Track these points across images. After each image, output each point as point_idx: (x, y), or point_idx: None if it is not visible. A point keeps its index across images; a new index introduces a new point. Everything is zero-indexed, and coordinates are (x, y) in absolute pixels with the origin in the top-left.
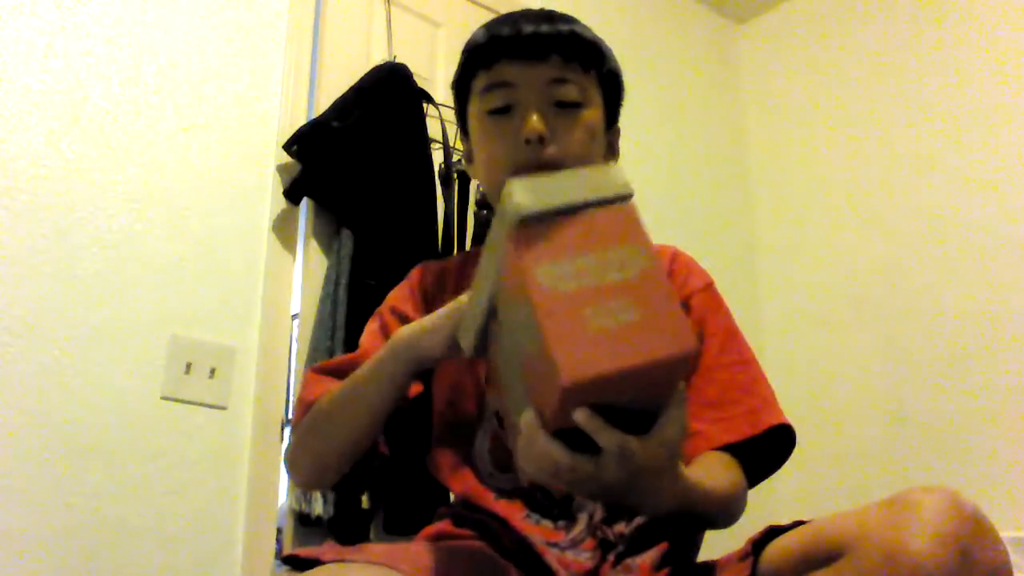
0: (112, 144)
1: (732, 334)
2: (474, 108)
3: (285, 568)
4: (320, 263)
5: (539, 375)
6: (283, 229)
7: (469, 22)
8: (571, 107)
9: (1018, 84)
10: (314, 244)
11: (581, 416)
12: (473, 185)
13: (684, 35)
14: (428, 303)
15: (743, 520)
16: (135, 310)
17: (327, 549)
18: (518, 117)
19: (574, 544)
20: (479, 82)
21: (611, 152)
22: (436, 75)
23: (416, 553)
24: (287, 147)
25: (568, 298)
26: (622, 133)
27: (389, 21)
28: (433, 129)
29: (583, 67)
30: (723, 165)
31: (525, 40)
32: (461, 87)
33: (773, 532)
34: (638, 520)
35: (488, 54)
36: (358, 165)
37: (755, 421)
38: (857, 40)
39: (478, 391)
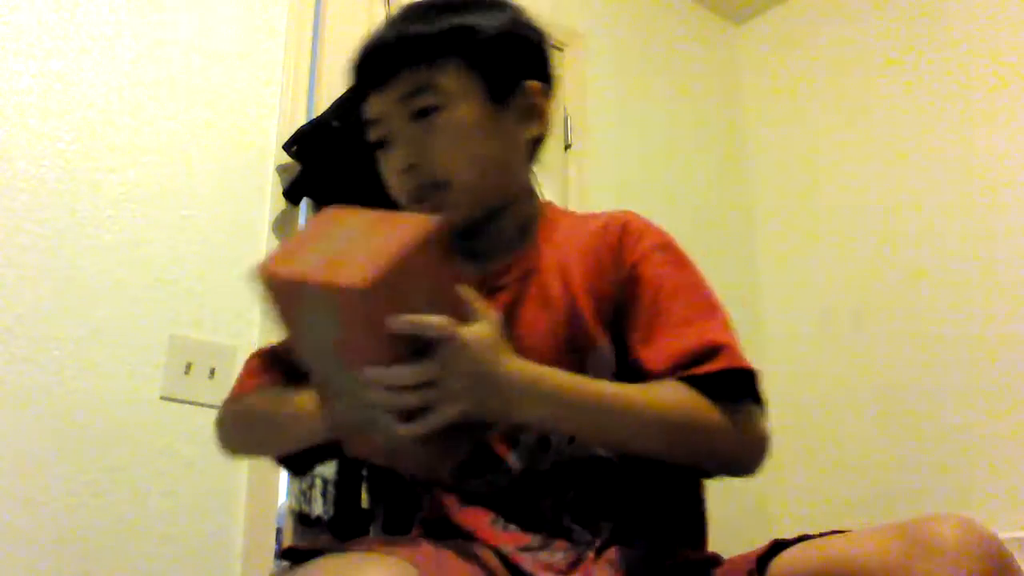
0: (112, 144)
1: (692, 287)
2: None
3: (284, 563)
4: None
5: (345, 331)
6: (283, 229)
7: None
8: (430, 113)
9: (1020, 83)
10: None
11: (398, 322)
12: None
13: (683, 35)
14: None
15: (743, 523)
16: (135, 310)
17: (327, 542)
18: (390, 149)
19: (546, 545)
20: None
21: (530, 115)
22: None
23: (416, 543)
24: (287, 147)
25: (313, 257)
26: (622, 134)
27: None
28: None
29: (430, 63)
30: (722, 165)
31: (365, 70)
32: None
33: (778, 546)
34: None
35: (356, 87)
36: (358, 165)
37: (699, 339)
38: (856, 40)
39: None
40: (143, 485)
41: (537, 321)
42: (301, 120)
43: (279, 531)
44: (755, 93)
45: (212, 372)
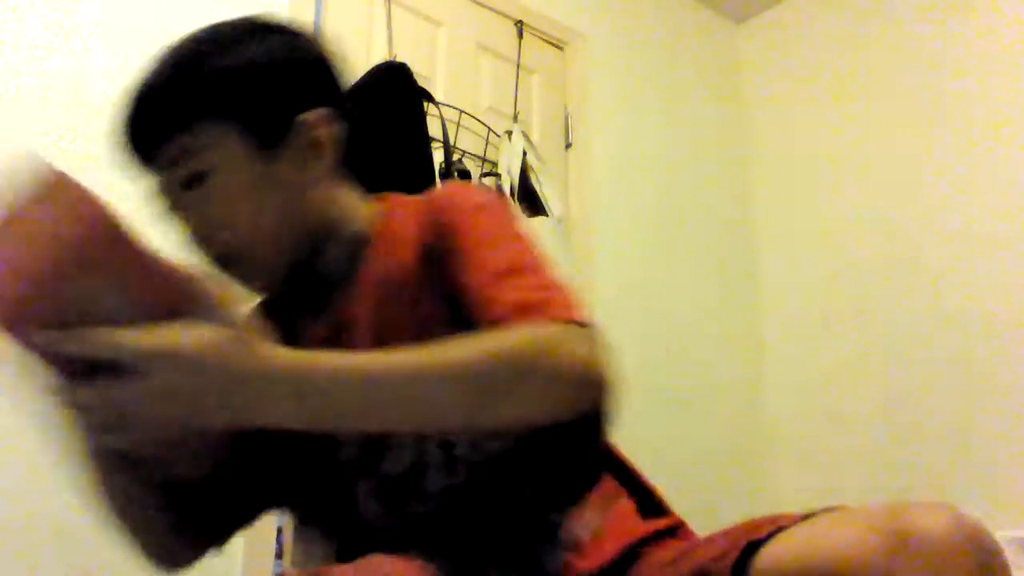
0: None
1: (503, 240)
2: None
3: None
4: None
5: None
6: None
7: (470, 21)
8: (196, 182)
9: (1021, 82)
10: None
11: (44, 337)
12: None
13: (684, 34)
14: None
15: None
16: None
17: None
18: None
19: None
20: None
21: (312, 150)
22: (437, 74)
23: (378, 569)
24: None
25: None
26: (623, 134)
27: (389, 20)
28: (434, 128)
29: (182, 128)
30: (723, 164)
31: (129, 143)
32: None
33: (752, 546)
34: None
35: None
36: (358, 164)
37: (517, 294)
38: (857, 39)
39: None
40: None
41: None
42: None
43: (279, 531)
44: (755, 92)
45: None
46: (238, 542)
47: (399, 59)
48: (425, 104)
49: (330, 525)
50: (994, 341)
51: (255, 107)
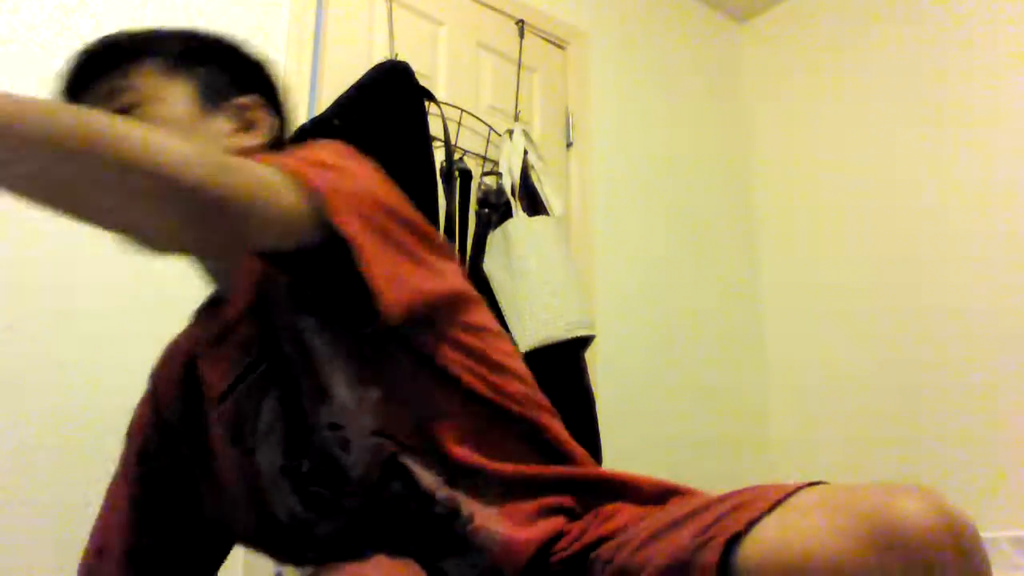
0: None
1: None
2: None
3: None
4: None
5: None
6: None
7: (471, 20)
8: (130, 111)
9: (1022, 80)
10: None
11: None
12: (474, 183)
13: (686, 33)
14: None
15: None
16: (136, 309)
17: None
18: None
19: None
20: None
21: (247, 127)
22: (438, 73)
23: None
24: None
25: None
26: (623, 134)
27: (391, 19)
28: (435, 127)
29: (124, 67)
30: (725, 164)
31: (72, 75)
32: None
33: (731, 542)
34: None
35: (68, 98)
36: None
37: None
38: (858, 39)
39: (239, 464)
40: None
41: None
42: (302, 119)
43: None
44: (757, 91)
45: None
46: None
47: (400, 58)
48: (426, 103)
49: (272, 548)
50: (994, 341)
51: (204, 70)
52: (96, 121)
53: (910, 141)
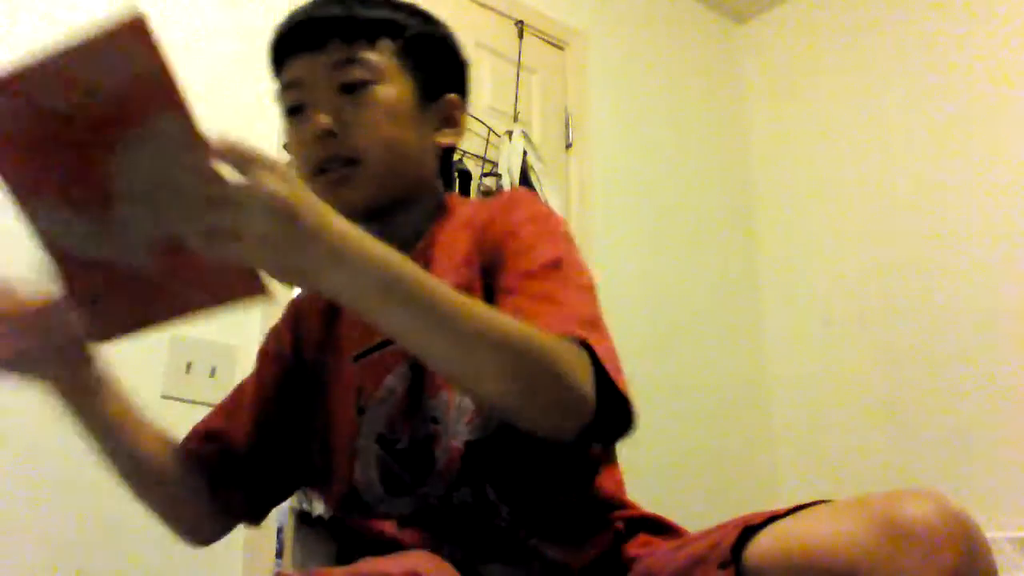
0: None
1: (557, 260)
2: (280, 110)
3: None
4: None
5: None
6: None
7: (469, 21)
8: (360, 88)
9: (1022, 78)
10: None
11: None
12: (474, 184)
13: (684, 35)
14: (300, 340)
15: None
16: None
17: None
18: (308, 115)
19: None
20: (277, 84)
21: (448, 124)
22: None
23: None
24: (288, 147)
25: None
26: (623, 134)
27: None
28: None
29: (369, 41)
30: (724, 164)
31: (299, 31)
32: (275, 85)
33: (749, 531)
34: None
35: (274, 55)
36: None
37: (558, 327)
38: (858, 39)
39: (349, 419)
40: None
41: None
42: None
43: (280, 530)
44: (757, 92)
45: (213, 371)
46: (238, 542)
47: None
48: None
49: (339, 512)
50: (994, 341)
51: (427, 63)
52: (497, 320)
53: (909, 141)
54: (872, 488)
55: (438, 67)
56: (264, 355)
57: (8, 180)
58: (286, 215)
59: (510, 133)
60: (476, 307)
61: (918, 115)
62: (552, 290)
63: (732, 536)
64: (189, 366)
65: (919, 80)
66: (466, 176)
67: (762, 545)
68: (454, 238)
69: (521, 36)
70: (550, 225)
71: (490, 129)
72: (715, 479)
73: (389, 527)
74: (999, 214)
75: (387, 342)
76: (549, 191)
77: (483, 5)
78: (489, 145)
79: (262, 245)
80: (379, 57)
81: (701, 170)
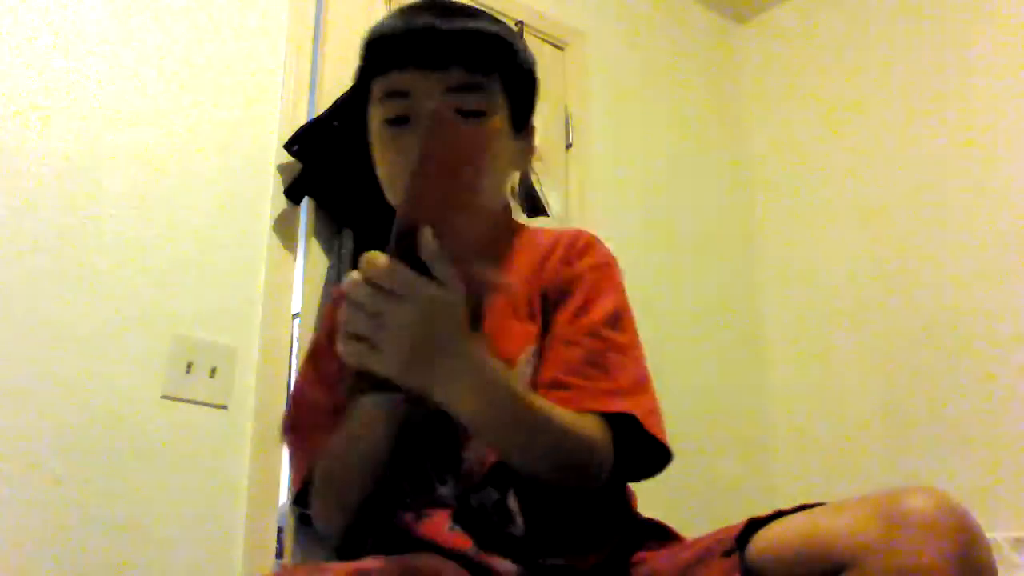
0: (112, 144)
1: (615, 316)
2: (374, 113)
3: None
4: (321, 262)
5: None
6: (283, 229)
7: None
8: (473, 117)
9: (1020, 79)
10: (315, 243)
11: (427, 235)
12: None
13: (685, 34)
14: None
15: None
16: (136, 310)
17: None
18: (415, 130)
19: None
20: (377, 88)
21: (524, 156)
22: None
23: (382, 570)
24: (288, 147)
25: None
26: (623, 134)
27: None
28: None
29: (487, 70)
30: (724, 164)
31: (421, 43)
32: (361, 87)
33: (754, 524)
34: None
35: (384, 58)
36: (359, 164)
37: (608, 401)
38: (857, 40)
39: None
40: (143, 485)
41: (510, 328)
42: (302, 120)
43: (280, 531)
44: (756, 92)
45: (213, 371)
46: (238, 541)
47: None
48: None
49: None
50: (994, 341)
51: (523, 96)
52: (560, 427)
53: (909, 141)
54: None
55: (528, 99)
56: (321, 354)
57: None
58: (430, 324)
59: None
60: (552, 422)
61: (918, 115)
62: (605, 352)
63: (737, 528)
64: (189, 366)
65: (919, 80)
66: None
67: (765, 537)
68: (519, 261)
69: (521, 35)
70: (613, 274)
71: None
72: (713, 480)
73: (433, 528)
74: (999, 214)
75: None
76: (548, 191)
77: (482, 5)
78: None
79: (400, 345)
80: (494, 86)
81: (701, 170)
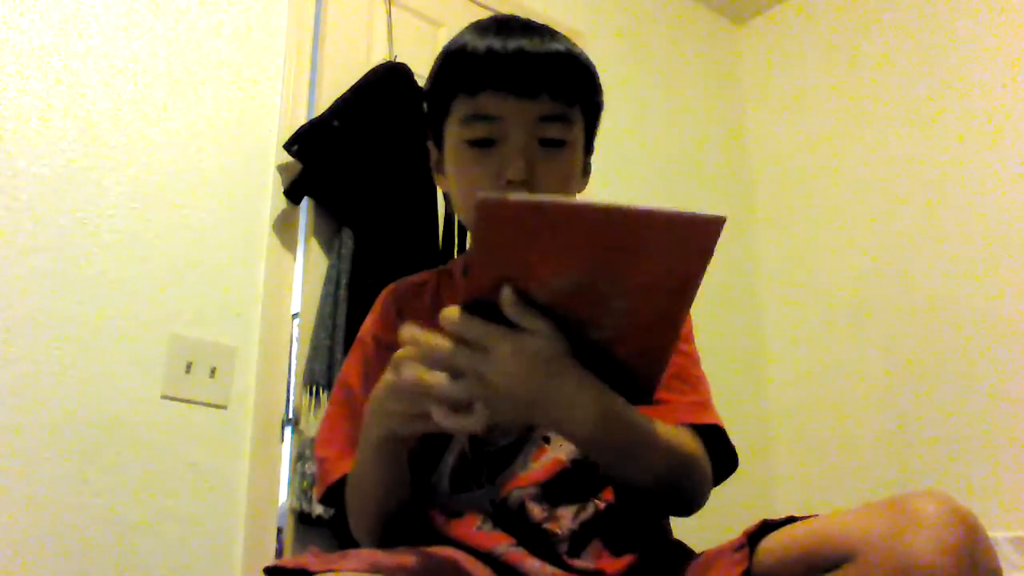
0: (112, 144)
1: (687, 328)
2: (453, 130)
3: None
4: (320, 263)
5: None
6: (283, 229)
7: (470, 21)
8: (555, 146)
9: (1021, 80)
10: (314, 243)
11: (506, 293)
12: None
13: (684, 35)
14: (404, 321)
15: (744, 522)
16: (136, 309)
17: (312, 558)
18: (501, 154)
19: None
20: (461, 106)
21: (583, 177)
22: None
23: (402, 559)
24: (287, 147)
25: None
26: (623, 134)
27: (390, 20)
28: None
29: (571, 102)
30: (723, 165)
31: (513, 68)
32: (438, 99)
33: (767, 527)
34: (584, 515)
35: (473, 79)
36: (359, 165)
37: (700, 414)
38: (857, 40)
39: None
40: (143, 485)
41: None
42: (301, 119)
43: (280, 531)
44: (756, 92)
45: (213, 371)
46: (238, 541)
47: (399, 59)
48: (425, 104)
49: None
50: (994, 341)
51: (594, 127)
52: (667, 444)
53: (909, 140)
54: (872, 488)
55: (596, 130)
56: (372, 339)
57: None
58: (537, 357)
59: None
60: (658, 439)
61: (917, 114)
62: (687, 366)
63: (751, 529)
64: (189, 366)
65: (918, 80)
66: None
67: (776, 537)
68: None
69: None
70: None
71: None
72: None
73: (464, 528)
74: (999, 213)
75: None
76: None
77: (483, 5)
78: None
79: (506, 387)
80: (575, 117)
81: (701, 170)
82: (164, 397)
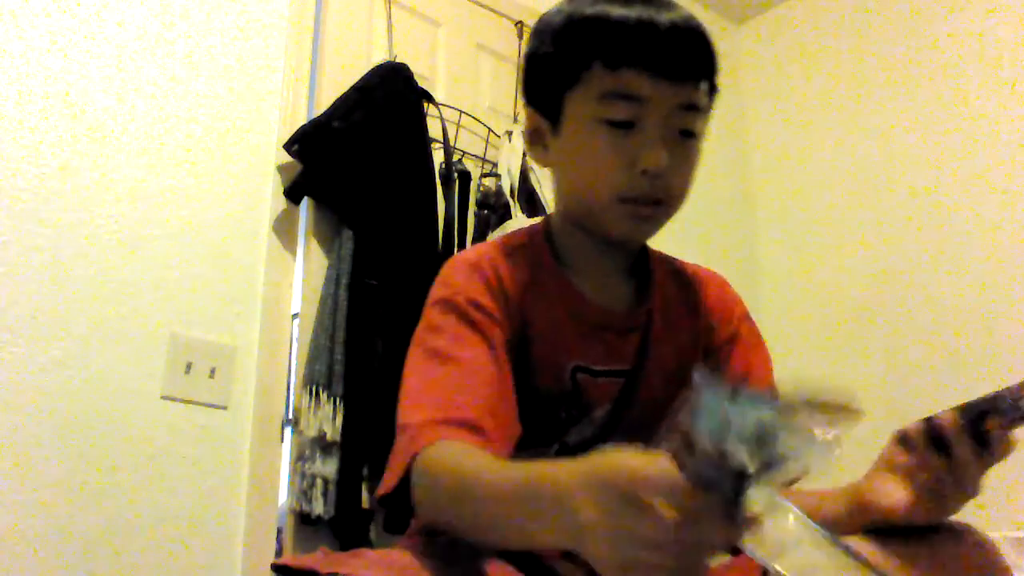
0: (112, 144)
1: (771, 367)
2: (587, 105)
3: None
4: (320, 263)
5: None
6: (283, 229)
7: (469, 21)
8: (689, 137)
9: (1020, 82)
10: (314, 244)
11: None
12: (473, 185)
13: None
14: (508, 301)
15: None
16: (135, 310)
17: (321, 558)
18: (639, 139)
19: None
20: (598, 80)
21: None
22: (437, 75)
23: (410, 561)
24: (287, 147)
25: None
26: None
27: (390, 21)
28: (434, 129)
29: (710, 92)
30: (724, 164)
31: (669, 50)
32: (565, 67)
33: None
34: None
35: (620, 52)
36: (359, 165)
37: None
38: (857, 40)
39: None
40: (143, 485)
41: (666, 355)
42: (301, 120)
43: (280, 531)
44: (755, 92)
45: (212, 371)
46: (238, 541)
47: (399, 60)
48: (425, 104)
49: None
50: (994, 341)
51: (709, 114)
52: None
53: (908, 140)
54: None
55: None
56: (475, 307)
57: None
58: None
59: (509, 134)
60: None
61: (918, 114)
62: None
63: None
64: (189, 366)
65: (919, 80)
66: (466, 177)
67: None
68: (671, 312)
69: (521, 36)
70: (754, 324)
71: (490, 130)
72: None
73: None
74: (999, 213)
75: (613, 372)
76: (548, 191)
77: (483, 5)
78: (488, 146)
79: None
80: (710, 107)
81: (700, 169)
82: (164, 397)
